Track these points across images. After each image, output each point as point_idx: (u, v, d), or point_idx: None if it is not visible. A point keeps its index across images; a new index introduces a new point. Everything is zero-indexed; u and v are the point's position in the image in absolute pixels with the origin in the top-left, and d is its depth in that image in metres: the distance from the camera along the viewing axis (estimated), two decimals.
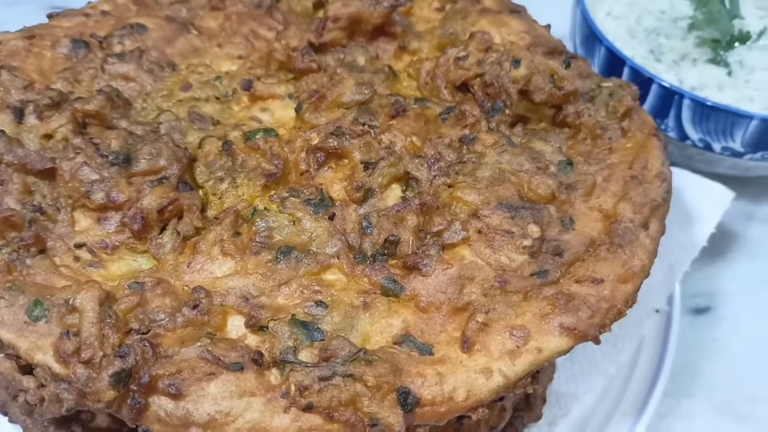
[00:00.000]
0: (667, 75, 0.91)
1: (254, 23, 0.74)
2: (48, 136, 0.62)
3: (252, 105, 0.69)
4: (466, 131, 0.64)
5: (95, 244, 0.58)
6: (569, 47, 0.95)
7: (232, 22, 0.75)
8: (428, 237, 0.59)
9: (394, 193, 0.62)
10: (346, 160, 0.62)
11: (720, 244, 0.88)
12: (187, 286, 0.56)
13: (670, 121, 0.84)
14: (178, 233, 0.59)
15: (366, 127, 0.63)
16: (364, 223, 0.59)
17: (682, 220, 0.81)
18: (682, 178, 0.83)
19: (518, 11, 0.77)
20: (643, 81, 0.82)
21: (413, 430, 0.53)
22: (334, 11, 0.70)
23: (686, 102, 0.81)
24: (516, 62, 0.65)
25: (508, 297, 0.56)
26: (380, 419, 0.50)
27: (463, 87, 0.68)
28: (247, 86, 0.69)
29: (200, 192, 0.62)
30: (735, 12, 0.93)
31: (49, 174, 0.60)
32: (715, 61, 0.92)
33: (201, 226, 0.59)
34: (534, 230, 0.59)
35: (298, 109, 0.67)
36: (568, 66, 0.66)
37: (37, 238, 0.57)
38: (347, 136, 0.62)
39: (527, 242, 0.58)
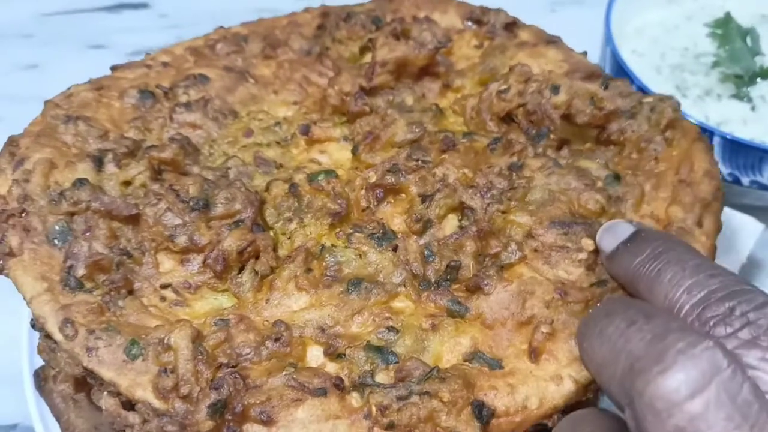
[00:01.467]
0: (693, 110, 0.95)
1: (306, 70, 0.79)
2: (127, 183, 0.66)
3: (310, 148, 0.73)
4: (515, 158, 0.68)
5: (179, 284, 0.62)
6: None
7: (284, 70, 0.79)
8: (487, 260, 0.62)
9: (451, 222, 0.65)
10: (403, 195, 0.66)
11: (750, 273, 0.91)
12: (267, 321, 0.60)
13: None
14: (256, 272, 0.62)
15: (420, 162, 0.67)
16: (426, 252, 0.63)
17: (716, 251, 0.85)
18: None
19: (554, 41, 0.80)
20: None
21: None
22: (382, 56, 0.74)
23: (716, 139, 0.85)
24: (555, 89, 0.68)
25: (570, 307, 0.59)
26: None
27: (508, 118, 0.71)
28: (305, 131, 0.73)
29: (271, 233, 0.66)
30: (756, 49, 0.98)
31: (133, 219, 0.63)
32: (739, 96, 0.96)
33: (275, 265, 0.63)
34: (588, 243, 0.62)
35: (354, 151, 0.70)
36: (606, 87, 0.69)
37: (125, 280, 0.60)
38: (403, 172, 0.66)
39: (582, 255, 0.62)
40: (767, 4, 1.09)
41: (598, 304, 0.53)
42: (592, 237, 0.62)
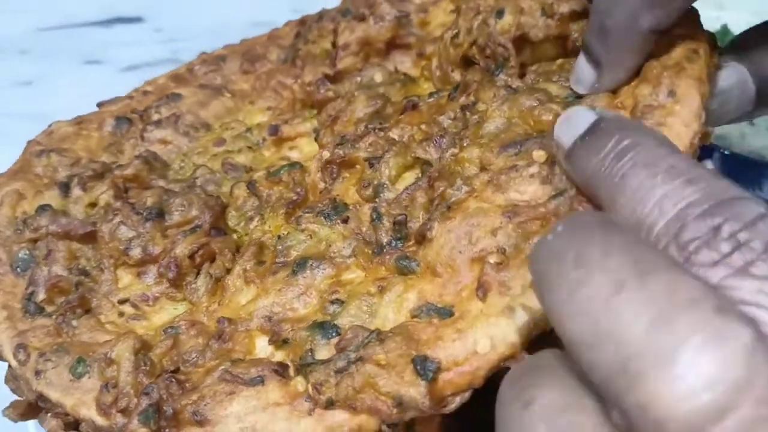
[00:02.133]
0: None
1: (281, 76, 0.76)
2: (93, 204, 0.65)
3: (281, 147, 0.70)
4: (471, 98, 0.60)
5: (137, 297, 0.60)
6: None
7: (261, 81, 0.77)
8: (434, 205, 0.55)
9: (408, 181, 0.58)
10: (357, 166, 0.61)
11: None
12: (218, 320, 0.56)
13: None
14: (211, 276, 0.59)
15: (374, 129, 0.61)
16: (373, 215, 0.57)
17: None
18: None
19: None
20: None
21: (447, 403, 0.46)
22: (344, 40, 0.72)
23: (716, 155, 0.82)
24: (499, 13, 0.61)
25: (523, 228, 0.49)
26: (402, 396, 0.45)
27: (468, 62, 0.64)
28: (274, 131, 0.70)
29: (234, 236, 0.63)
30: None
31: (91, 238, 0.62)
32: None
33: (230, 266, 0.60)
34: (540, 154, 0.51)
35: (317, 138, 0.67)
36: None
37: (82, 300, 0.59)
38: (351, 143, 0.61)
39: (534, 169, 0.51)
40: (763, 12, 1.06)
41: (559, 227, 0.36)
42: (545, 148, 0.51)
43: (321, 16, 0.80)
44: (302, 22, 0.83)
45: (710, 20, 1.03)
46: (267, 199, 0.63)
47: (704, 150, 0.83)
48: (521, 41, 0.61)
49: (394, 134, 0.60)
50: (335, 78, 0.71)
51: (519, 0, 0.61)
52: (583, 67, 0.54)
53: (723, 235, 0.34)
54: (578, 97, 0.55)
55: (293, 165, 0.65)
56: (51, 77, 1.16)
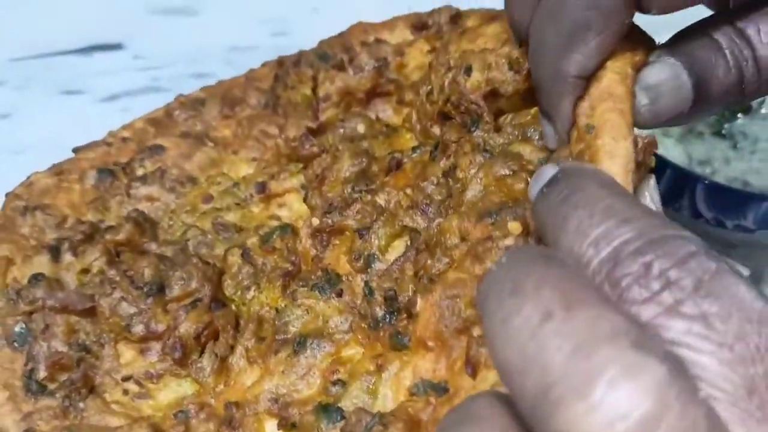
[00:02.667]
0: (676, 151, 0.92)
1: (263, 124, 0.76)
2: (85, 271, 0.64)
3: (269, 204, 0.70)
4: (451, 160, 0.60)
5: (141, 375, 0.60)
6: None
7: (243, 128, 0.76)
8: (419, 278, 0.56)
9: (398, 250, 0.59)
10: (347, 233, 0.61)
11: None
12: (225, 405, 0.57)
13: (684, 201, 0.85)
14: (216, 355, 0.60)
15: (361, 192, 0.62)
16: (365, 290, 0.58)
17: None
18: None
19: (497, 16, 0.69)
20: (657, 165, 0.84)
21: None
22: (324, 91, 0.72)
23: (700, 186, 0.83)
24: (467, 70, 0.61)
25: None
26: None
27: (446, 116, 0.65)
28: (261, 189, 0.70)
29: (232, 306, 0.63)
30: None
31: (90, 311, 0.61)
32: (720, 133, 0.94)
33: (234, 342, 0.60)
34: (515, 227, 0.52)
35: (305, 199, 0.67)
36: (521, 45, 0.59)
37: (85, 378, 0.58)
38: (339, 210, 0.61)
39: (509, 241, 0.52)
40: None
41: (503, 258, 0.37)
42: (520, 218, 0.53)
43: (299, 59, 0.79)
44: (280, 63, 0.82)
45: None
46: (262, 268, 0.64)
47: (688, 180, 0.83)
48: (493, 95, 0.61)
49: (380, 199, 0.61)
50: (318, 130, 0.72)
51: (485, 55, 0.61)
52: (543, 124, 0.56)
53: (654, 273, 0.35)
54: (550, 155, 0.56)
55: (284, 228, 0.66)
56: (28, 109, 1.12)
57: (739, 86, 0.52)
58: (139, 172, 0.73)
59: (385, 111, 0.73)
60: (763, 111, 0.97)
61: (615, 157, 0.48)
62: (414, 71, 0.76)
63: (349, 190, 0.63)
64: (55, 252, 0.65)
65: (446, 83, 0.63)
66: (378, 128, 0.71)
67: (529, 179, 0.54)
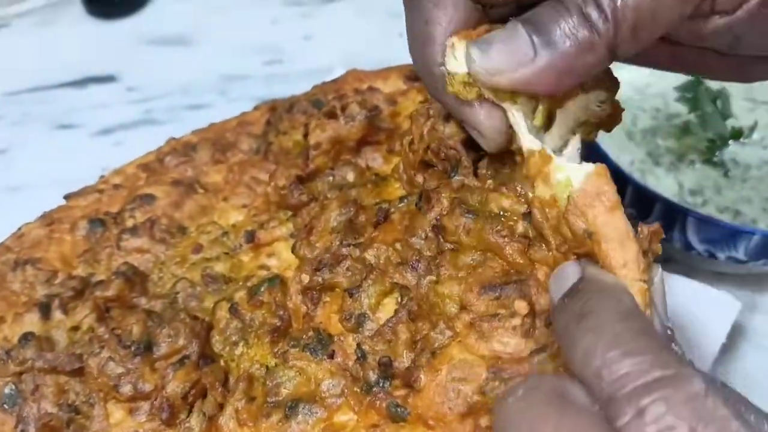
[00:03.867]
0: (667, 179, 0.91)
1: (254, 170, 0.75)
2: (75, 328, 0.63)
3: (259, 253, 0.69)
4: (435, 211, 0.59)
5: None
6: None
7: (234, 174, 0.76)
8: (418, 346, 0.55)
9: (389, 307, 0.58)
10: (337, 290, 0.60)
11: (728, 337, 0.88)
12: None
13: (675, 233, 0.84)
14: (204, 414, 0.59)
15: (350, 246, 0.61)
16: (358, 353, 0.57)
17: (692, 332, 0.82)
18: (690, 289, 0.82)
19: None
20: (648, 198, 0.84)
21: None
22: (315, 139, 0.71)
23: (690, 219, 0.82)
24: (446, 118, 0.61)
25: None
26: None
27: (426, 165, 0.64)
28: (250, 238, 0.69)
29: (221, 361, 0.62)
30: (727, 113, 0.92)
31: (79, 371, 0.60)
32: (711, 161, 0.92)
33: (223, 400, 0.59)
34: (521, 306, 0.52)
35: (293, 250, 0.66)
36: None
37: None
38: (328, 267, 0.60)
39: (516, 321, 0.52)
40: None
41: (519, 390, 0.39)
42: (525, 297, 0.52)
43: (292, 105, 0.78)
44: (272, 108, 0.81)
45: None
46: (250, 323, 0.63)
47: (678, 213, 0.82)
48: (471, 141, 0.59)
49: (369, 256, 0.60)
50: (307, 178, 0.71)
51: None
52: (468, 130, 0.56)
53: (648, 419, 0.35)
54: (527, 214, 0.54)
55: (272, 280, 0.64)
56: (22, 145, 1.12)
57: (590, 29, 0.47)
58: (129, 222, 0.72)
59: (375, 159, 0.72)
60: (755, 137, 0.96)
61: (627, 263, 0.46)
62: (406, 120, 0.75)
63: (338, 243, 0.62)
64: (45, 309, 0.64)
65: (425, 131, 0.62)
66: (367, 177, 0.70)
67: (518, 246, 0.53)
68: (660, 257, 0.51)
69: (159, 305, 0.65)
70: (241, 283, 0.66)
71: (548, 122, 0.53)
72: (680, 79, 0.99)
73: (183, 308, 0.64)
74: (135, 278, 0.67)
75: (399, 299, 0.58)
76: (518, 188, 0.56)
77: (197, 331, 0.61)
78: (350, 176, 0.70)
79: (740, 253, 0.83)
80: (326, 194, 0.69)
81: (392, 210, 0.63)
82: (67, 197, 0.78)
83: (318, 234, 0.65)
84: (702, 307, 0.82)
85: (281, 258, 0.68)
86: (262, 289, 0.64)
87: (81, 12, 1.31)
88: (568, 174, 0.49)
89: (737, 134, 0.94)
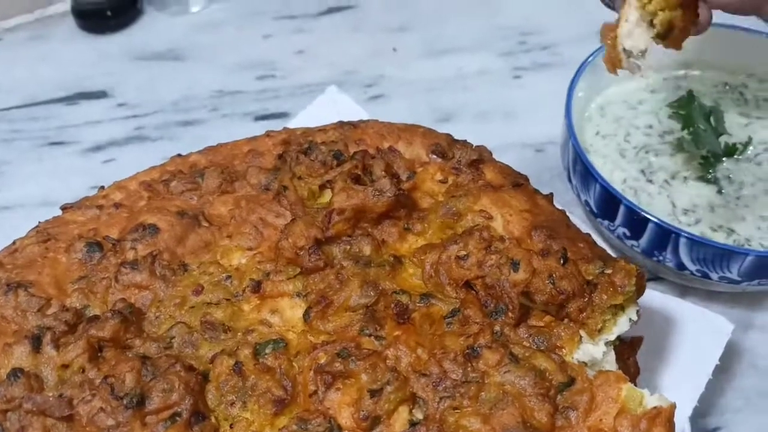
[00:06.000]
0: (659, 198, 0.90)
1: (263, 210, 0.72)
2: (65, 366, 0.60)
3: (262, 305, 0.66)
4: (470, 341, 0.61)
5: None
6: (562, 169, 0.96)
7: (241, 209, 0.73)
8: None
9: (402, 416, 0.59)
10: (353, 380, 0.59)
11: (722, 355, 0.87)
12: None
13: (668, 254, 0.83)
14: None
15: (371, 338, 0.61)
16: None
17: (686, 354, 0.81)
18: (683, 311, 0.80)
19: (520, 184, 0.73)
20: (639, 219, 0.83)
21: None
22: (339, 204, 0.68)
23: (682, 240, 0.81)
24: (515, 265, 0.62)
25: None
26: None
27: (467, 283, 0.65)
28: (256, 288, 0.66)
29: (212, 418, 0.60)
30: (721, 130, 0.90)
31: (68, 417, 0.58)
32: (705, 178, 0.90)
33: None
34: None
35: (306, 317, 0.64)
36: (565, 262, 0.63)
37: None
38: (353, 358, 0.59)
39: None
40: (729, 72, 1.05)
41: None
42: None
43: (309, 147, 0.76)
44: (286, 142, 0.78)
45: (678, 80, 1.03)
46: (252, 387, 0.60)
47: (671, 233, 0.81)
48: (524, 295, 0.63)
49: (391, 354, 0.61)
50: (326, 240, 0.68)
51: (532, 258, 0.63)
52: None
53: None
54: (569, 383, 0.60)
55: (277, 342, 0.63)
56: (16, 163, 1.10)
57: None
58: (130, 255, 0.69)
59: (391, 234, 0.70)
60: (749, 153, 0.95)
61: None
62: (424, 196, 0.74)
63: (357, 329, 0.62)
64: (36, 342, 0.61)
65: (488, 264, 0.64)
66: (384, 256, 0.69)
67: (548, 409, 0.58)
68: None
69: (154, 349, 0.62)
70: (240, 335, 0.64)
71: (666, 32, 0.66)
72: (673, 95, 0.98)
73: (178, 355, 0.62)
74: (131, 317, 0.63)
75: (411, 407, 0.59)
76: (557, 359, 0.61)
77: (191, 385, 0.59)
78: (366, 249, 0.68)
79: (733, 273, 0.82)
80: (341, 262, 0.67)
81: (410, 306, 0.64)
82: (63, 208, 0.74)
83: (335, 311, 0.64)
84: (695, 328, 0.82)
85: (284, 317, 0.66)
86: (267, 351, 0.62)
87: (73, 27, 1.28)
88: (644, 395, 0.60)
89: (731, 151, 0.93)
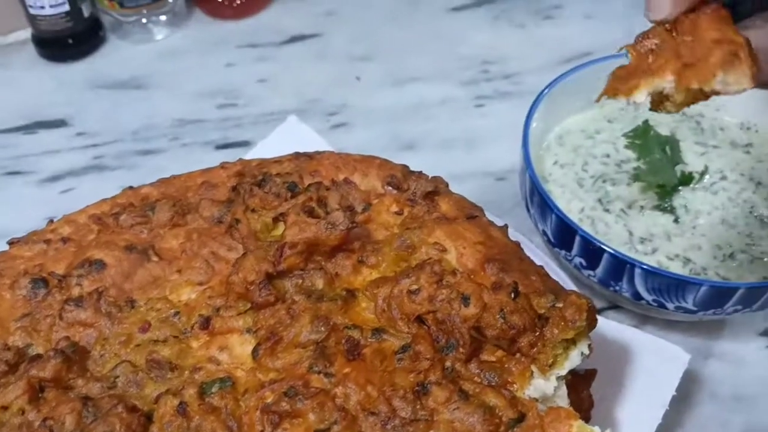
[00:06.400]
0: (616, 227, 0.90)
1: (215, 244, 0.71)
2: (4, 407, 0.59)
3: (211, 341, 0.65)
4: (421, 378, 0.60)
5: None
6: (520, 199, 0.97)
7: (193, 243, 0.71)
8: None
9: None
10: (300, 419, 0.58)
11: (680, 385, 0.86)
12: None
13: (624, 284, 0.83)
14: None
15: (320, 376, 0.60)
16: None
17: (643, 385, 0.81)
18: (639, 341, 0.80)
19: (475, 216, 0.73)
20: (595, 249, 0.83)
21: None
22: (291, 237, 0.67)
23: (637, 270, 0.81)
24: (466, 299, 0.62)
25: None
26: None
27: (419, 318, 0.64)
28: (205, 324, 0.65)
29: None
30: (677, 159, 0.91)
31: None
32: (662, 207, 0.90)
33: None
34: None
35: (255, 355, 0.62)
36: (516, 296, 0.62)
37: None
38: (301, 397, 0.58)
39: None
40: None
41: None
42: None
43: (263, 179, 0.74)
44: (240, 173, 0.77)
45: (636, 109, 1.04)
46: (197, 428, 0.59)
47: (626, 264, 0.81)
48: (477, 330, 0.63)
49: (340, 392, 0.59)
50: (277, 274, 0.67)
51: (483, 292, 0.63)
52: None
53: None
54: (519, 419, 0.59)
55: (224, 381, 0.61)
56: None
57: None
58: (75, 291, 0.67)
59: (345, 268, 0.69)
60: (705, 181, 0.96)
61: None
62: (379, 228, 0.73)
63: (306, 366, 0.61)
64: None
65: (438, 299, 0.63)
66: (337, 290, 0.67)
67: None
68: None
69: (97, 389, 0.60)
70: (187, 374, 0.62)
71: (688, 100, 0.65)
72: (631, 125, 0.99)
73: (122, 395, 0.60)
74: (74, 357, 0.61)
75: None
76: (507, 395, 0.60)
77: (133, 428, 0.57)
78: (319, 283, 0.67)
79: (689, 303, 0.82)
80: (293, 297, 0.66)
81: (362, 341, 0.63)
82: (11, 243, 0.73)
83: (284, 347, 0.63)
84: (652, 359, 0.81)
85: (233, 354, 0.64)
86: (214, 390, 0.60)
87: (33, 55, 1.27)
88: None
89: (687, 180, 0.94)
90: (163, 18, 1.29)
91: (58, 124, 1.18)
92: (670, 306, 0.84)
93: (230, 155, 1.10)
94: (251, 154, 1.00)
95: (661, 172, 0.92)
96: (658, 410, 0.79)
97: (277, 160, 0.79)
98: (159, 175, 0.83)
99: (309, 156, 0.80)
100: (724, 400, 0.88)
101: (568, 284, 0.88)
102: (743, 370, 0.90)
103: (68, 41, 1.25)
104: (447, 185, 0.80)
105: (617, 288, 0.84)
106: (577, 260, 0.86)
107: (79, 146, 1.14)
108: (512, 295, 0.62)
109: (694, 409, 0.87)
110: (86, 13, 1.23)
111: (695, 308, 0.83)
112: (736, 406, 0.87)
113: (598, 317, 0.85)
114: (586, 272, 0.86)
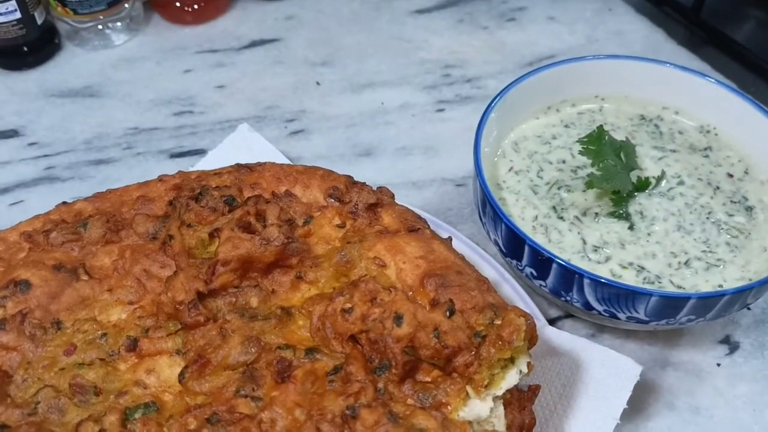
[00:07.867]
0: (570, 235, 0.88)
1: (147, 261, 0.69)
2: None
3: (139, 364, 0.63)
4: (351, 401, 0.58)
5: None
6: (473, 207, 0.95)
7: (125, 261, 0.69)
8: None
9: None
10: None
11: (637, 396, 0.85)
12: None
13: (575, 294, 0.81)
14: None
15: (248, 399, 0.58)
16: None
17: (592, 399, 0.78)
18: (591, 352, 0.78)
19: (417, 229, 0.71)
20: (544, 259, 0.81)
21: None
22: (224, 254, 0.64)
23: (586, 280, 0.79)
24: (398, 319, 0.60)
25: None
26: None
27: (352, 338, 0.62)
28: (132, 346, 0.63)
29: None
30: (632, 165, 0.89)
31: None
32: (617, 214, 0.88)
33: None
34: None
35: (180, 378, 0.60)
36: (451, 314, 0.60)
37: None
38: (223, 423, 0.56)
39: None
40: (644, 104, 1.05)
41: None
42: None
43: (201, 193, 0.72)
44: (178, 187, 0.74)
45: (594, 113, 1.02)
46: None
47: (575, 274, 0.80)
48: (410, 348, 0.61)
49: (266, 417, 0.57)
50: (210, 293, 0.65)
51: (417, 311, 0.61)
52: None
53: None
54: None
55: (148, 407, 0.59)
56: None
57: None
58: None
59: (283, 284, 0.67)
60: (662, 187, 0.94)
61: None
62: (319, 242, 0.71)
63: (233, 389, 0.59)
64: None
65: (371, 319, 0.61)
66: (272, 308, 0.65)
67: None
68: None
69: (16, 415, 0.57)
70: (112, 398, 0.60)
71: None
72: (588, 129, 0.97)
73: (42, 422, 0.57)
74: None
75: None
76: (439, 417, 0.58)
77: None
78: (254, 301, 0.65)
79: (641, 313, 0.80)
80: (225, 316, 0.63)
81: (296, 364, 0.61)
82: None
83: (213, 370, 0.60)
84: (603, 371, 0.80)
85: (161, 377, 0.62)
86: (137, 416, 0.58)
87: None
88: None
89: (643, 185, 0.92)
90: (119, 24, 1.26)
91: (10, 134, 1.15)
92: (622, 316, 0.82)
93: (185, 164, 1.08)
94: (200, 164, 0.97)
95: (615, 178, 0.89)
96: (609, 423, 0.77)
97: (217, 172, 0.77)
98: (111, 185, 0.81)
99: (250, 168, 0.77)
100: (680, 412, 0.86)
101: (522, 295, 0.87)
102: (701, 380, 0.89)
103: (23, 49, 1.22)
104: (392, 196, 0.79)
105: (568, 298, 0.83)
106: (528, 270, 0.84)
107: (30, 157, 1.11)
108: (447, 314, 0.60)
109: (650, 421, 0.86)
110: (39, 20, 1.20)
111: (647, 318, 0.81)
112: (693, 418, 0.85)
113: (551, 328, 0.84)
114: (538, 282, 0.84)
